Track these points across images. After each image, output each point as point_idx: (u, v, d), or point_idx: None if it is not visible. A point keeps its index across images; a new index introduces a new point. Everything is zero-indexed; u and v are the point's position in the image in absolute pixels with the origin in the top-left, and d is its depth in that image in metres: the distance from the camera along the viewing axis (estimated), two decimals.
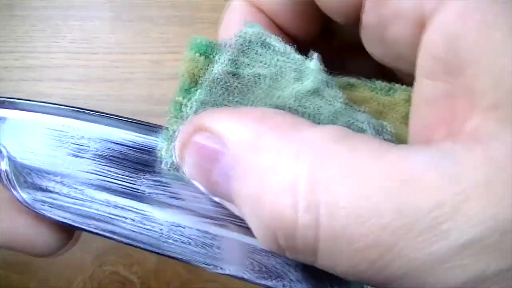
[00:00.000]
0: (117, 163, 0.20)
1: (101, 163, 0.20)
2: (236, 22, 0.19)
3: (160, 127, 0.21)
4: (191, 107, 0.17)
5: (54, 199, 0.19)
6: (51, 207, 0.19)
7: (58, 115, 0.20)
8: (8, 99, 0.20)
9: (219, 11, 0.44)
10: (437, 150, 0.12)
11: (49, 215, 0.19)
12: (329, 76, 0.16)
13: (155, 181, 0.20)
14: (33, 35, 0.43)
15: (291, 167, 0.13)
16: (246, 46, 0.17)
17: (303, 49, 0.17)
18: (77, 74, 0.41)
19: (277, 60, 0.16)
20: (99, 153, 0.20)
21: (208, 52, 0.17)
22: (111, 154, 0.20)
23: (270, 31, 0.17)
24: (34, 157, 0.20)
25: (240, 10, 0.19)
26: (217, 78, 0.16)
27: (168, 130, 0.18)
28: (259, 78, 0.16)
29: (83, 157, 0.20)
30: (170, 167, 0.18)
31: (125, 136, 0.21)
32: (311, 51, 0.17)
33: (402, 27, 0.15)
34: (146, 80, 0.41)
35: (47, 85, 0.41)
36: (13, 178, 0.19)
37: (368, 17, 0.16)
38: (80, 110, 0.20)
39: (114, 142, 0.20)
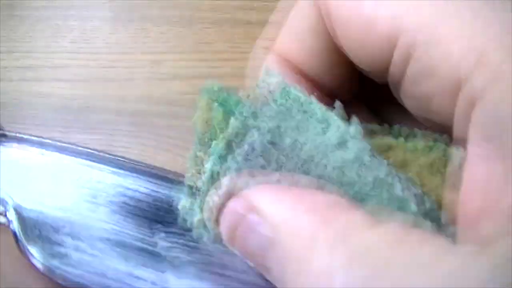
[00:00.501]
0: (130, 212, 0.19)
1: (114, 211, 0.19)
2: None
3: (174, 175, 0.19)
4: (221, 170, 0.16)
5: (66, 256, 0.17)
6: (63, 265, 0.17)
7: (73, 155, 0.19)
8: (12, 133, 0.19)
9: (219, 11, 0.44)
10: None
11: (61, 281, 0.17)
12: (359, 127, 0.16)
13: (167, 232, 0.19)
14: (33, 35, 0.43)
15: (341, 272, 0.12)
16: (286, 112, 0.16)
17: (338, 96, 0.17)
18: (77, 74, 0.41)
19: (318, 126, 0.16)
20: (113, 199, 0.19)
21: (224, 100, 0.16)
22: (124, 201, 0.19)
23: (301, 83, 0.17)
24: (45, 204, 0.18)
25: (272, 64, 0.18)
26: (253, 148, 0.16)
27: (189, 186, 0.17)
28: (299, 146, 0.16)
29: (97, 203, 0.19)
30: (192, 224, 0.17)
31: (140, 184, 0.19)
32: (353, 117, 0.16)
33: (438, 86, 0.14)
34: (146, 80, 0.41)
35: (47, 85, 0.41)
36: (21, 233, 0.17)
37: (396, 70, 0.15)
38: (95, 152, 0.19)
39: (128, 189, 0.19)
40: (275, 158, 0.16)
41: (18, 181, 0.18)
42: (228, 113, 0.16)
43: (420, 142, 0.16)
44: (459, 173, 0.14)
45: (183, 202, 0.17)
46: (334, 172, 0.15)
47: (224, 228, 0.16)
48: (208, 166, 0.16)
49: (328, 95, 0.18)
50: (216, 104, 0.16)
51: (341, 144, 0.15)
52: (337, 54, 0.17)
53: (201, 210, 0.16)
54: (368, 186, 0.15)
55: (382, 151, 0.16)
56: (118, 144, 0.38)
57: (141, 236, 0.18)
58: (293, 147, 0.15)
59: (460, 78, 0.14)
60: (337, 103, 0.16)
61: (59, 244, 0.17)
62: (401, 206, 0.15)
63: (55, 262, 0.17)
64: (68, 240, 0.18)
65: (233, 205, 0.15)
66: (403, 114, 0.18)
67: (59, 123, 0.39)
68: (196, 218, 0.16)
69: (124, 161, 0.19)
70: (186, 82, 0.41)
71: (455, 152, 0.15)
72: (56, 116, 0.40)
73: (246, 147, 0.16)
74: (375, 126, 0.17)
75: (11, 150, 0.19)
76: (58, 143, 0.19)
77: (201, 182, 0.16)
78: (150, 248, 0.18)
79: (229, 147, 0.16)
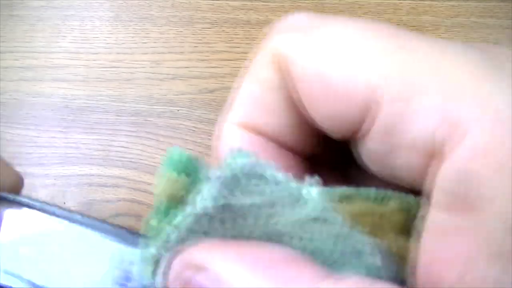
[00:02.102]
0: None
1: None
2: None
3: None
4: (173, 234, 0.15)
5: None
6: None
7: (101, 233, 0.17)
8: (26, 200, 0.18)
9: (219, 11, 0.44)
10: None
11: None
12: (328, 192, 0.15)
13: None
14: (33, 35, 0.43)
15: None
16: (237, 178, 0.15)
17: (307, 162, 0.16)
18: (77, 74, 0.41)
19: (273, 190, 0.15)
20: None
21: (189, 170, 0.16)
22: None
23: (269, 151, 0.16)
24: None
25: (234, 135, 0.17)
26: (205, 213, 0.15)
27: (145, 252, 0.16)
28: (254, 208, 0.15)
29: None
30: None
31: None
32: (310, 177, 0.15)
33: (411, 156, 0.14)
34: (146, 80, 0.41)
35: (47, 85, 0.41)
36: None
37: (373, 143, 0.15)
38: (126, 233, 0.18)
39: None
40: (230, 221, 0.15)
41: (39, 259, 0.17)
42: (193, 185, 0.16)
43: (390, 203, 0.16)
44: (420, 225, 0.14)
45: (140, 266, 0.16)
46: (290, 230, 0.15)
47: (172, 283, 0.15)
48: (163, 236, 0.15)
49: (290, 152, 0.18)
50: (177, 174, 0.16)
51: (301, 204, 0.15)
52: (297, 113, 0.16)
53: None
54: (327, 244, 0.15)
55: (355, 217, 0.16)
56: (118, 144, 0.38)
57: None
58: (249, 211, 0.15)
59: (436, 149, 0.14)
60: (314, 179, 0.15)
61: None
62: (365, 265, 0.15)
63: None
64: None
65: (176, 262, 0.15)
66: (362, 175, 0.17)
67: (59, 123, 0.39)
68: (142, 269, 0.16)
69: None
70: (186, 82, 0.41)
71: (418, 205, 0.15)
72: (56, 116, 0.40)
73: (198, 210, 0.15)
74: (349, 190, 0.17)
75: (26, 219, 0.17)
76: (83, 217, 0.18)
77: (154, 248, 0.16)
78: None
79: (198, 222, 0.15)
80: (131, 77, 0.41)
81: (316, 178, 0.15)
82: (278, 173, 0.15)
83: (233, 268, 0.13)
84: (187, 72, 0.41)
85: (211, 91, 0.40)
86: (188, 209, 0.15)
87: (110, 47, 0.42)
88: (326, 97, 0.14)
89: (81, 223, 0.18)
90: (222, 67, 0.41)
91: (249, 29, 0.43)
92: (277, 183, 0.15)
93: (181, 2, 0.44)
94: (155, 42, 0.42)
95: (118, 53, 0.42)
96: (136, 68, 0.41)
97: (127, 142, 0.38)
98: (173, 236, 0.15)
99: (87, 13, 0.43)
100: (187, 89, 0.40)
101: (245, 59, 0.41)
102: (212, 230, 0.15)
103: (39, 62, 0.42)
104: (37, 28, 0.43)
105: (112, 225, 0.18)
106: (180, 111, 0.39)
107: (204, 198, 0.14)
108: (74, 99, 0.40)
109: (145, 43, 0.42)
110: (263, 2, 0.43)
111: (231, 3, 0.43)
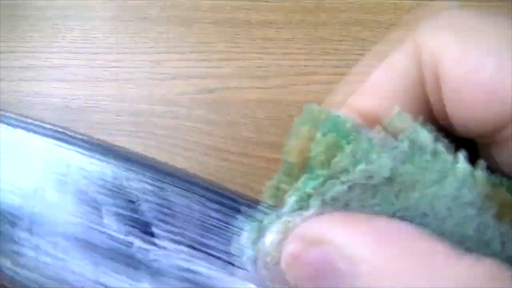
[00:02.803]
0: (102, 204, 0.16)
1: (83, 202, 0.16)
2: None
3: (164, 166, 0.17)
4: (314, 201, 0.14)
5: (21, 256, 0.15)
6: (16, 266, 0.15)
7: (39, 133, 0.17)
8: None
9: (219, 11, 0.44)
10: None
11: (8, 283, 0.15)
12: (474, 174, 0.14)
13: (145, 232, 0.16)
14: (33, 35, 0.43)
15: None
16: (410, 151, 0.14)
17: None
18: (77, 74, 0.41)
19: (428, 162, 0.14)
20: (83, 188, 0.16)
21: (331, 131, 0.14)
22: (97, 191, 0.16)
23: None
24: (1, 188, 0.16)
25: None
26: (360, 183, 0.14)
27: (261, 216, 0.15)
28: (407, 177, 0.14)
29: (64, 191, 0.16)
30: (250, 260, 0.15)
31: (118, 172, 0.17)
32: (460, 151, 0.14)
33: None
34: (146, 80, 0.41)
35: (47, 85, 0.41)
36: None
37: None
38: (66, 132, 0.17)
39: (102, 178, 0.17)
40: (372, 191, 0.14)
41: None
42: (334, 146, 0.14)
43: None
44: None
45: (249, 233, 0.15)
46: (429, 205, 0.14)
47: (286, 252, 0.14)
48: (291, 200, 0.14)
49: None
50: (319, 134, 0.14)
51: (449, 181, 0.14)
52: (425, 108, 0.16)
53: (258, 230, 0.15)
54: (465, 228, 0.14)
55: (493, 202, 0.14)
56: (118, 144, 0.38)
57: (113, 234, 0.15)
58: (399, 193, 0.14)
59: None
60: (461, 154, 0.14)
61: (15, 241, 0.15)
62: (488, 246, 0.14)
63: (6, 262, 0.14)
64: (26, 236, 0.15)
65: (303, 232, 0.14)
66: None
67: (59, 123, 0.39)
68: (248, 237, 0.15)
69: (100, 143, 0.17)
70: (186, 82, 0.41)
71: None
72: (56, 116, 0.40)
73: (344, 187, 0.14)
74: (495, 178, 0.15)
75: None
76: (23, 118, 0.17)
77: (275, 214, 0.15)
78: (123, 248, 0.15)
79: (325, 184, 0.14)
80: (131, 77, 0.41)
81: (464, 153, 0.14)
82: (438, 144, 0.14)
83: (354, 242, 0.13)
84: (187, 72, 0.41)
85: (211, 91, 0.40)
86: (343, 177, 0.14)
87: (110, 47, 0.42)
88: (475, 101, 0.14)
89: (21, 127, 0.18)
90: (222, 67, 0.41)
91: (249, 29, 0.42)
92: (435, 154, 0.14)
93: (181, 2, 0.44)
94: (155, 42, 0.42)
95: (118, 53, 0.42)
96: (136, 68, 0.41)
97: (127, 142, 0.38)
98: (314, 203, 0.14)
99: (87, 13, 0.43)
100: (187, 89, 0.40)
101: (245, 59, 0.42)
102: (355, 201, 0.14)
103: (39, 62, 0.42)
104: (37, 28, 0.43)
105: (49, 123, 0.18)
106: (180, 111, 0.39)
107: (381, 166, 0.13)
108: (74, 99, 0.40)
109: (145, 43, 0.42)
110: (263, 2, 0.43)
111: (231, 3, 0.43)
